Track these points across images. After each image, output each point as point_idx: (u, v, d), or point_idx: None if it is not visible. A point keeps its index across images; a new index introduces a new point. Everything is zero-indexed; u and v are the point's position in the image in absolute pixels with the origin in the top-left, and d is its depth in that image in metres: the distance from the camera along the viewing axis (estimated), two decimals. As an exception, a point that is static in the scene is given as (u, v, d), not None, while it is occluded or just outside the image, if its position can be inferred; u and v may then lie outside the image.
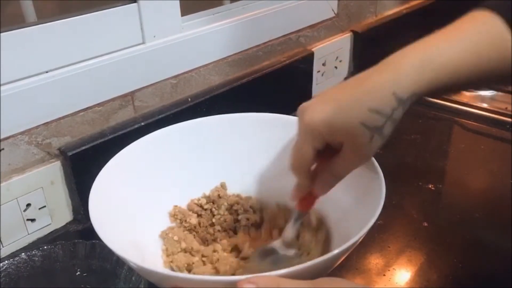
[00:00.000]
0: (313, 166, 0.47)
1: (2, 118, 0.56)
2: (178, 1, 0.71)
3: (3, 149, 0.57)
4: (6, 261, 0.50)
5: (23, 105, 0.57)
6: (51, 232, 0.63)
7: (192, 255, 0.53)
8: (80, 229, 0.64)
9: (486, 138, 0.86)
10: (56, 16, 0.59)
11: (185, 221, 0.57)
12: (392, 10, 1.16)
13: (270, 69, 0.85)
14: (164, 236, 0.55)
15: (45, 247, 0.52)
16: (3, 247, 0.59)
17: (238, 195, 0.61)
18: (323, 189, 0.47)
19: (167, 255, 0.53)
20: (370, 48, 1.07)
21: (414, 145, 0.83)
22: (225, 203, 0.59)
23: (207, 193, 0.61)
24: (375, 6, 1.11)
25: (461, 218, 0.65)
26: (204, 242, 0.57)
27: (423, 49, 0.44)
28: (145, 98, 0.70)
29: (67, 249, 0.52)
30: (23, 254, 0.51)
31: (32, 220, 0.61)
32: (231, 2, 0.83)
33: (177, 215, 0.58)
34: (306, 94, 0.96)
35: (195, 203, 0.60)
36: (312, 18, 0.95)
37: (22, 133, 0.58)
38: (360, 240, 0.42)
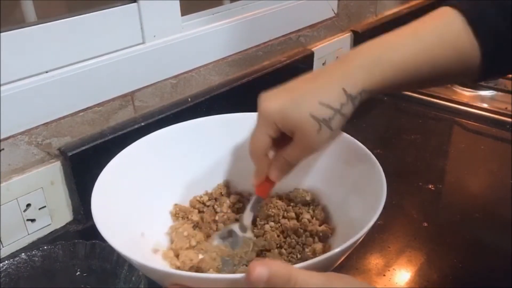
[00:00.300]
0: (272, 154, 0.49)
1: (2, 118, 0.56)
2: (178, 1, 0.71)
3: (3, 149, 0.57)
4: (6, 261, 0.50)
5: (23, 105, 0.57)
6: (51, 232, 0.63)
7: (200, 252, 0.53)
8: (80, 229, 0.64)
9: (486, 138, 0.86)
10: (56, 16, 0.59)
11: (187, 218, 0.57)
12: (392, 10, 1.16)
13: (270, 69, 0.85)
14: (174, 230, 0.55)
15: (45, 247, 0.52)
16: (3, 247, 0.59)
17: (240, 193, 0.61)
18: (277, 174, 0.49)
19: (175, 251, 0.52)
20: (370, 48, 1.07)
21: (414, 145, 0.83)
22: (228, 201, 0.59)
23: (210, 191, 0.61)
24: (375, 6, 1.11)
25: (461, 218, 0.65)
26: (208, 238, 0.56)
27: (377, 47, 0.45)
28: (145, 98, 0.70)
29: (67, 249, 0.52)
30: (23, 254, 0.51)
31: (32, 220, 0.61)
32: (231, 2, 0.83)
33: (178, 214, 0.58)
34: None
35: (197, 200, 0.60)
36: (312, 18, 0.95)
37: (22, 133, 0.58)
38: (361, 239, 0.42)
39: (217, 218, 0.58)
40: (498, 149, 0.83)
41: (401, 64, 0.44)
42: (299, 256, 0.52)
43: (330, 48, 0.99)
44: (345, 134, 0.56)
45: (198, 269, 0.50)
